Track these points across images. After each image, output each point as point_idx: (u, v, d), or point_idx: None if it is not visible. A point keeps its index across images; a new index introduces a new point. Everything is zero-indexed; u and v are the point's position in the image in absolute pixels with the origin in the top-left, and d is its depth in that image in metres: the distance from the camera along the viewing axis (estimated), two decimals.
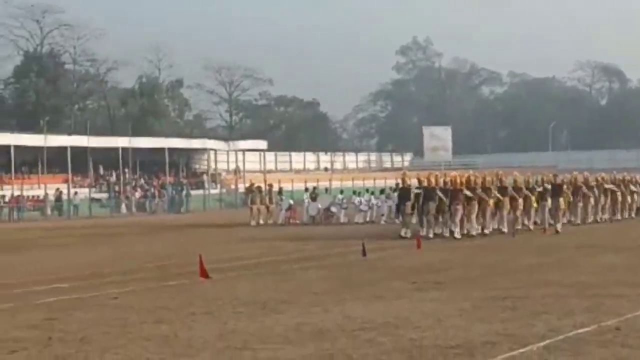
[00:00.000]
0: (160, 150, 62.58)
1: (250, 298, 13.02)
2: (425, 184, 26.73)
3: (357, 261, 19.19)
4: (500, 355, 8.45)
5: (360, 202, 37.73)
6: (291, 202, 40.05)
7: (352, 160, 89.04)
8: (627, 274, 15.30)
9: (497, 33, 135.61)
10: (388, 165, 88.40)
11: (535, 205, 28.29)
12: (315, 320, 10.86)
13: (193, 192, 61.99)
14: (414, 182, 27.76)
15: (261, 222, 37.61)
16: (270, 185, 41.03)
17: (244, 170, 68.59)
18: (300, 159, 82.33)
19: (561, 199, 28.24)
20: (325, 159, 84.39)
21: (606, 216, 32.68)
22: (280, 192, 41.00)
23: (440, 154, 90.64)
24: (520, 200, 27.73)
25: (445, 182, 26.66)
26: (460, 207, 26.01)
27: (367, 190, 40.85)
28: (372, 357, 8.55)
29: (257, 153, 72.60)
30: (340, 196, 39.56)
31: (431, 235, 25.64)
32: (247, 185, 42.75)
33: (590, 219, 31.51)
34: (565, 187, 29.39)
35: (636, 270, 16.10)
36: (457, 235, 25.68)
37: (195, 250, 19.88)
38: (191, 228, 36.83)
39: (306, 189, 41.46)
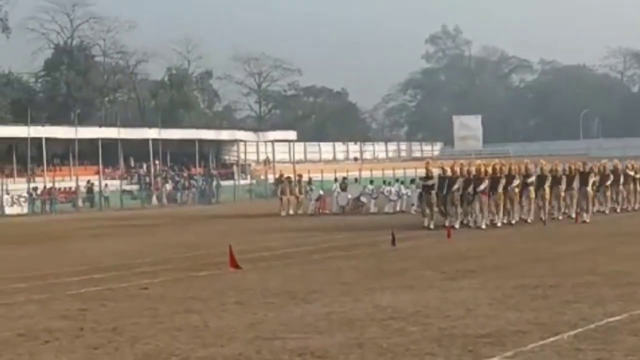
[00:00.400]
0: (190, 141, 62.80)
1: (280, 288, 13.04)
2: (449, 173, 26.47)
3: (387, 251, 19.18)
4: (530, 344, 8.40)
5: (390, 192, 37.63)
6: (321, 192, 40.09)
7: (381, 150, 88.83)
8: None
9: (527, 20, 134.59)
10: (418, 154, 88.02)
11: (562, 194, 27.94)
12: (345, 309, 10.86)
13: (223, 183, 62.20)
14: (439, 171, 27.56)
15: (291, 212, 37.72)
16: (300, 176, 41.08)
17: (274, 160, 68.70)
18: (329, 149, 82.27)
19: (589, 188, 27.88)
20: (354, 149, 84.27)
21: (637, 205, 32.21)
22: (309, 182, 41.05)
23: (470, 143, 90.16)
24: (547, 189, 27.42)
25: (469, 172, 26.39)
26: (485, 197, 25.76)
27: (397, 180, 40.74)
28: (401, 346, 8.53)
29: (287, 144, 72.62)
30: (370, 186, 39.52)
31: (457, 226, 25.34)
32: (277, 175, 42.89)
33: (619, 207, 31.07)
34: (593, 175, 28.91)
35: None
36: (483, 225, 25.47)
37: (225, 240, 19.94)
38: (221, 219, 36.96)
39: (336, 179, 41.47)
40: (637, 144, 79.93)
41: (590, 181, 28.06)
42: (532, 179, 27.27)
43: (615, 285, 12.26)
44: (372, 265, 16.40)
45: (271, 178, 59.83)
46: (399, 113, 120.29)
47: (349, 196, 38.73)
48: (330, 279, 14.17)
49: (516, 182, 26.53)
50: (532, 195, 27.00)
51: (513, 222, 26.38)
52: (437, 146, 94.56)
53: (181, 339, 9.21)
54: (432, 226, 25.71)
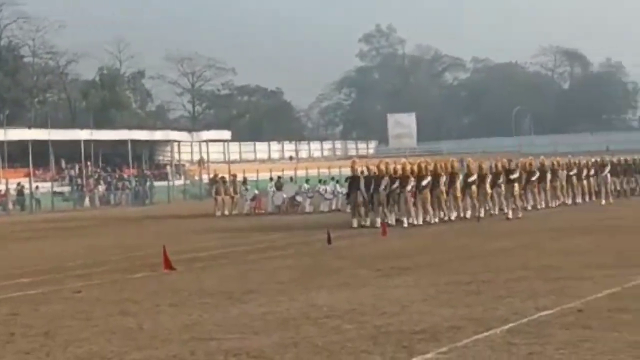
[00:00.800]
0: (123, 142, 62.16)
1: (216, 289, 12.98)
2: (375, 172, 26.17)
3: (322, 250, 19.21)
4: (464, 339, 8.49)
5: (326, 191, 37.72)
6: (256, 192, 40.02)
7: (317, 148, 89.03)
8: (592, 256, 15.42)
9: (459, 18, 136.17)
10: (353, 153, 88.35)
11: (489, 191, 27.70)
12: (281, 309, 10.85)
13: (157, 184, 61.64)
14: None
15: (226, 212, 37.56)
16: (235, 176, 40.92)
17: (208, 160, 68.33)
18: (264, 149, 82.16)
19: (516, 185, 27.78)
20: (289, 148, 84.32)
21: (568, 201, 32.60)
22: (244, 182, 40.91)
23: (405, 141, 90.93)
24: (474, 187, 27.22)
25: (395, 170, 26.12)
26: (410, 195, 25.51)
27: (333, 179, 40.80)
28: (337, 344, 8.55)
29: (221, 143, 72.29)
30: (305, 185, 39.55)
31: (391, 221, 25.20)
32: (211, 176, 42.66)
33: (543, 204, 31.09)
34: (518, 172, 28.69)
35: (601, 252, 16.24)
36: (415, 222, 25.38)
37: (160, 242, 19.76)
38: (156, 220, 36.63)
39: (271, 179, 41.40)
40: (568, 141, 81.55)
41: (515, 178, 27.96)
42: (459, 176, 27.20)
43: (547, 280, 12.46)
44: (307, 264, 16.42)
45: (206, 178, 59.47)
46: (334, 112, 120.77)
47: (285, 195, 38.69)
48: (266, 278, 14.14)
49: (442, 179, 26.27)
50: (458, 193, 26.97)
51: (446, 219, 26.57)
52: (372, 144, 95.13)
53: (115, 342, 9.10)
54: (365, 223, 25.70)
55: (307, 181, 40.94)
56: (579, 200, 33.19)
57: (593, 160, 34.84)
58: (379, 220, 25.23)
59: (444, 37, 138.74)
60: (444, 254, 17.19)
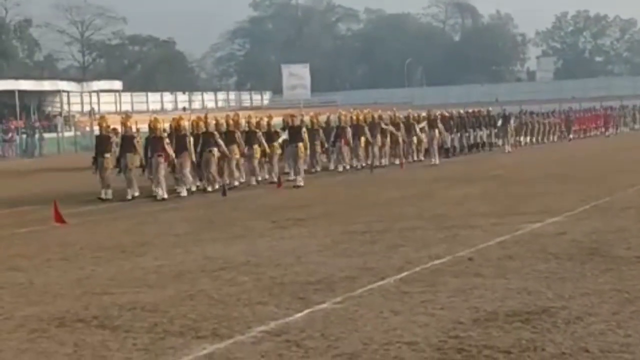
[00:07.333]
0: (10, 93, 60.21)
1: (108, 242, 12.77)
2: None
3: (217, 201, 19.11)
4: (359, 289, 8.59)
5: None
6: None
7: (210, 99, 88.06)
8: (481, 205, 15.74)
9: None
10: (247, 104, 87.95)
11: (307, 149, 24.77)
12: (176, 262, 10.77)
13: (46, 136, 60.08)
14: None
15: None
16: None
17: (99, 111, 66.90)
18: (157, 99, 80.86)
19: (302, 143, 23.34)
20: (183, 98, 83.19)
21: (384, 160, 28.74)
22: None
23: (299, 92, 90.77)
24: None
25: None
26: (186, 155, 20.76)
27: None
28: (233, 296, 8.54)
29: (112, 94, 70.83)
30: None
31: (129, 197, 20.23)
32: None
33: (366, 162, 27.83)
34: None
35: (489, 201, 16.59)
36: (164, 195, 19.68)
37: (49, 195, 19.35)
38: (45, 172, 35.73)
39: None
40: (459, 92, 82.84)
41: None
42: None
43: (440, 229, 12.68)
44: (203, 216, 16.31)
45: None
46: (228, 62, 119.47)
47: None
48: (160, 231, 13.99)
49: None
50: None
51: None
52: (267, 95, 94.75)
53: (5, 298, 8.89)
54: (104, 196, 20.44)
55: None
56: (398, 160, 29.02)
57: (423, 114, 31.26)
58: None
59: None
60: (339, 205, 17.31)
